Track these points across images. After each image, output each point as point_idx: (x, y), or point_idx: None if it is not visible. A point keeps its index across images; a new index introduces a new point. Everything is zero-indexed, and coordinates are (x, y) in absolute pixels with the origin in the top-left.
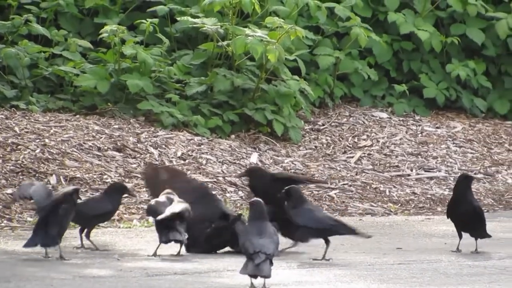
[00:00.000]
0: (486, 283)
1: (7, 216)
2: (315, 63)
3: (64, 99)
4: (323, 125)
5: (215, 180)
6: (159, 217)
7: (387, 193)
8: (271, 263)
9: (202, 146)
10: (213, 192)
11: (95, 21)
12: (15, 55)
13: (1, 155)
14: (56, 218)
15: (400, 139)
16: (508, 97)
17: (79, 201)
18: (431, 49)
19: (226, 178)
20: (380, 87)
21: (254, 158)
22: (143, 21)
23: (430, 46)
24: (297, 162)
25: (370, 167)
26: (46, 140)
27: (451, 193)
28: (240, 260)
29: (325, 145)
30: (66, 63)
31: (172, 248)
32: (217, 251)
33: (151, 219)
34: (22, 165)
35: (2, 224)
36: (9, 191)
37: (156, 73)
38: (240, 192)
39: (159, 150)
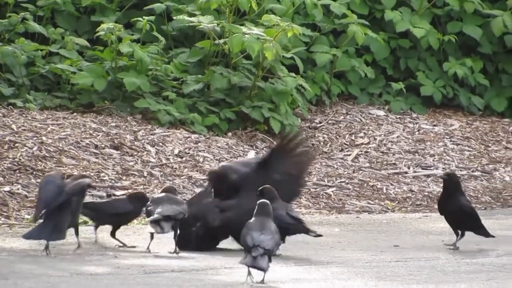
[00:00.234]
0: (484, 281)
1: (5, 214)
2: (312, 60)
3: (61, 97)
4: (320, 122)
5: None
6: (150, 219)
7: (384, 190)
8: (270, 259)
9: (199, 144)
10: None
11: (92, 19)
12: (12, 53)
13: None
14: (68, 210)
15: (397, 136)
16: (505, 94)
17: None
18: (428, 47)
19: None
20: (377, 85)
21: (251, 156)
22: (140, 19)
23: (427, 44)
24: None
25: (367, 164)
26: (43, 138)
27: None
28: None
29: (322, 143)
30: (63, 61)
31: (170, 245)
32: (212, 249)
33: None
34: (19, 162)
35: (0, 222)
36: (7, 188)
37: (153, 71)
38: None
39: (156, 148)
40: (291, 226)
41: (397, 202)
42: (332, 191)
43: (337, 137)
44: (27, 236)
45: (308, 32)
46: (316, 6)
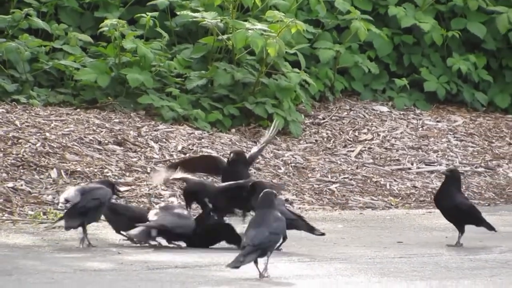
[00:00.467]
0: (488, 277)
1: (8, 210)
2: (315, 57)
3: (65, 93)
4: (324, 119)
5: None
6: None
7: (388, 186)
8: (262, 254)
9: (202, 140)
10: None
11: (95, 15)
12: (16, 49)
13: (2, 149)
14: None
15: (401, 133)
16: (509, 91)
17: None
18: (431, 43)
19: None
20: (381, 81)
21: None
22: (143, 15)
23: (431, 39)
24: (298, 155)
25: (371, 160)
26: (47, 134)
27: None
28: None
29: (325, 139)
30: (67, 57)
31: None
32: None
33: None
34: (23, 159)
35: (3, 218)
36: (10, 184)
37: (156, 67)
38: None
39: (159, 144)
40: (293, 222)
41: (400, 198)
42: (336, 187)
43: (341, 133)
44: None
45: (312, 29)
46: (319, 2)
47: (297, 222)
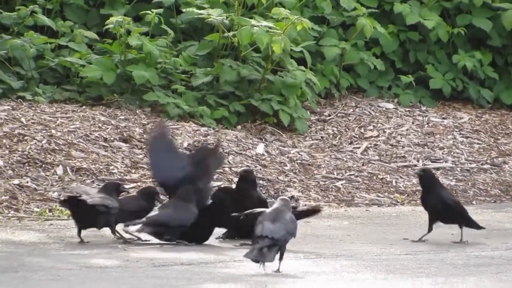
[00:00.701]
0: (494, 274)
1: (14, 207)
2: (321, 54)
3: (70, 90)
4: (329, 115)
5: (221, 170)
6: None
7: (394, 183)
8: (280, 250)
9: (208, 137)
10: None
11: (101, 12)
12: (21, 47)
13: (7, 146)
14: None
15: (407, 129)
16: None
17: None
18: (437, 40)
19: (232, 168)
20: (386, 78)
21: (260, 149)
22: (149, 12)
23: (436, 36)
24: (303, 152)
25: (377, 157)
26: (53, 131)
27: (458, 184)
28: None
29: (331, 136)
30: (72, 54)
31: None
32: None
33: None
34: (28, 155)
35: (9, 215)
36: (16, 181)
37: (161, 64)
38: None
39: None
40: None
41: (406, 195)
42: (342, 184)
43: (346, 130)
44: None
45: (317, 28)
46: None
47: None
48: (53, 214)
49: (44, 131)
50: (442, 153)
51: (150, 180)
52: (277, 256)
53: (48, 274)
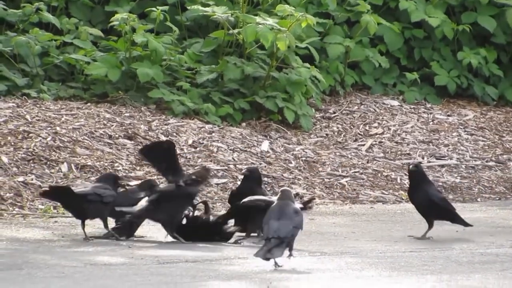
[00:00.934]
0: (498, 271)
1: (19, 204)
2: (326, 50)
3: (75, 87)
4: (334, 113)
5: (226, 168)
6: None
7: (399, 180)
8: (289, 244)
9: (213, 134)
10: None
11: (106, 9)
12: (26, 44)
13: (12, 143)
14: None
15: (412, 127)
16: None
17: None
18: (442, 37)
19: (237, 166)
20: (391, 75)
21: (265, 146)
22: (154, 9)
23: (441, 33)
24: (308, 149)
25: (381, 155)
26: (57, 128)
27: (463, 181)
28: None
29: (336, 133)
30: (77, 51)
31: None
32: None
33: None
34: (33, 153)
35: (14, 212)
36: (21, 178)
37: (167, 61)
38: None
39: (170, 138)
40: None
41: None
42: (346, 181)
43: (351, 127)
44: None
45: (322, 20)
46: None
47: None
48: (57, 211)
49: (49, 128)
50: (447, 150)
51: (156, 177)
52: (286, 250)
53: (53, 271)
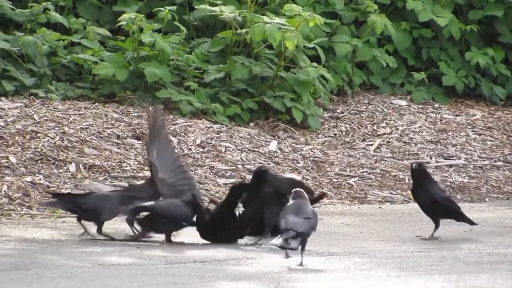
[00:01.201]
0: (507, 271)
1: (27, 204)
2: (334, 50)
3: (83, 87)
4: (342, 112)
5: (234, 168)
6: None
7: (407, 180)
8: (304, 242)
9: (221, 134)
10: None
11: (113, 9)
12: (34, 43)
13: (20, 143)
14: None
15: (419, 126)
16: None
17: None
18: (450, 37)
19: (245, 166)
20: (399, 75)
21: (273, 146)
22: (162, 9)
23: (449, 33)
24: (316, 149)
25: (389, 154)
26: (65, 128)
27: (471, 181)
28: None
29: (344, 133)
30: (85, 51)
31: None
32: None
33: None
34: (41, 153)
35: (22, 212)
36: (29, 179)
37: (174, 61)
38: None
39: (178, 138)
40: None
41: None
42: (354, 181)
43: (359, 127)
44: None
45: (329, 21)
46: None
47: None
48: (65, 211)
49: (57, 128)
50: (455, 150)
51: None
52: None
53: (61, 272)
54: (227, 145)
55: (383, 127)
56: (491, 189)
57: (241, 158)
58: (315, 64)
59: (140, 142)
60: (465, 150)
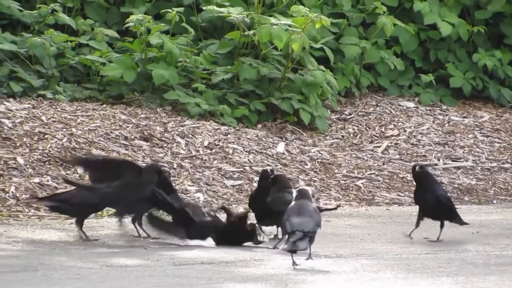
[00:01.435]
0: None
1: (34, 205)
2: (342, 52)
3: (91, 89)
4: (350, 114)
5: (242, 169)
6: None
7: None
8: (312, 240)
9: (228, 136)
10: None
11: (121, 10)
12: (41, 45)
13: (28, 145)
14: None
15: (427, 128)
16: None
17: None
18: (457, 39)
19: (253, 167)
20: (407, 76)
21: (281, 148)
22: (169, 10)
23: (456, 35)
24: (324, 151)
25: (397, 156)
26: (73, 130)
27: (478, 183)
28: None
29: (352, 135)
30: (93, 53)
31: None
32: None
33: None
34: (49, 154)
35: (30, 213)
36: (36, 180)
37: (182, 63)
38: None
39: (186, 140)
40: None
41: None
42: (362, 183)
43: (367, 128)
44: None
45: (336, 21)
46: None
47: None
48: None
49: (65, 129)
50: (463, 152)
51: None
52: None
53: (69, 273)
54: (234, 146)
55: (391, 129)
56: (498, 191)
57: (248, 160)
58: (322, 67)
59: (148, 143)
60: (472, 152)
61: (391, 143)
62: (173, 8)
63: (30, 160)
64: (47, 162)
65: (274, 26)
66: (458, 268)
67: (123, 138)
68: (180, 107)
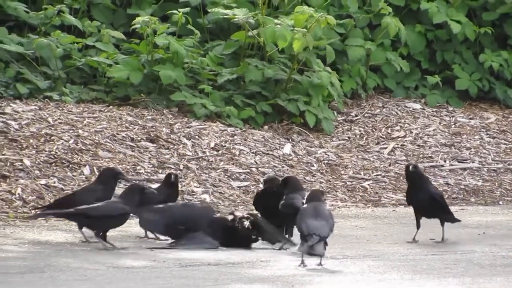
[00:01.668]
0: None
1: (41, 207)
2: (347, 53)
3: (97, 90)
4: (356, 116)
5: (248, 171)
6: None
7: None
8: (326, 244)
9: (235, 137)
10: None
11: (128, 12)
12: (48, 46)
13: (34, 146)
14: None
15: (434, 130)
16: None
17: None
18: (464, 39)
19: (259, 169)
20: (413, 78)
21: (287, 149)
22: (175, 12)
23: (463, 36)
24: (330, 153)
25: (404, 158)
26: (80, 131)
27: (485, 184)
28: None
29: (358, 136)
30: (99, 54)
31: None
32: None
33: None
34: (55, 155)
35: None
36: (43, 181)
37: (189, 64)
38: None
39: (192, 141)
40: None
41: None
42: (368, 184)
43: (373, 130)
44: None
45: (342, 21)
46: None
47: None
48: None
49: (71, 131)
50: (469, 153)
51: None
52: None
53: (75, 274)
54: (241, 148)
55: (397, 130)
56: (505, 192)
57: (255, 161)
58: (328, 69)
59: (154, 145)
60: (479, 153)
61: (397, 144)
62: (179, 10)
63: (37, 162)
64: (53, 164)
65: (278, 26)
66: (464, 269)
67: (130, 139)
68: (187, 108)
